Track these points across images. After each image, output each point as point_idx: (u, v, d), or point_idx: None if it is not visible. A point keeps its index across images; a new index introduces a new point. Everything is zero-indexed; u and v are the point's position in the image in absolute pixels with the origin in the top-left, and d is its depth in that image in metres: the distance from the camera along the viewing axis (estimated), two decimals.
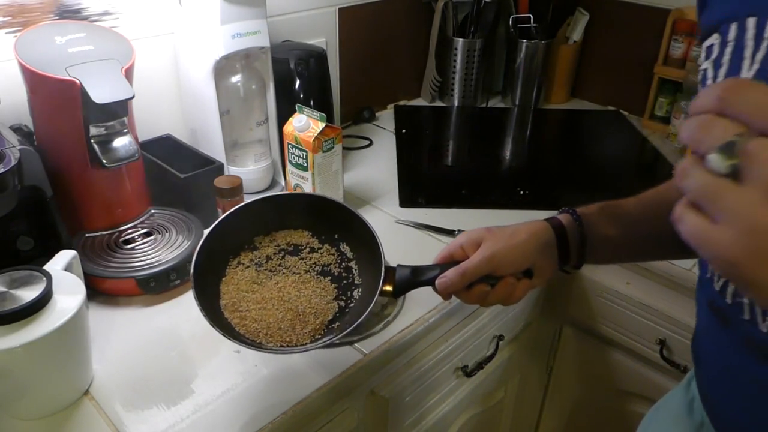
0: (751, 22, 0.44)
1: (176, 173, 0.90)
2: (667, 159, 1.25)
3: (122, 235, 0.85)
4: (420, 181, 1.17)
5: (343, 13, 1.28)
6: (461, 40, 1.42)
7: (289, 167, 0.97)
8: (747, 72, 0.43)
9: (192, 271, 0.59)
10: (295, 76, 1.06)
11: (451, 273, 0.60)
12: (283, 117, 1.01)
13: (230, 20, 0.89)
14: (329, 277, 0.65)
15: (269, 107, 1.02)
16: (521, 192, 1.12)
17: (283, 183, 1.06)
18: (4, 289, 0.59)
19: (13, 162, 0.68)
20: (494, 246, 0.60)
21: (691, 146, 0.30)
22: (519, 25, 1.44)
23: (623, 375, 1.09)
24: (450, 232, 0.96)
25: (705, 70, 0.49)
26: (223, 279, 0.63)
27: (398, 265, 0.63)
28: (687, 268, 0.91)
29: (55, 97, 0.76)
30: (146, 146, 0.95)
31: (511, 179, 1.22)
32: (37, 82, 0.75)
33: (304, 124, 0.92)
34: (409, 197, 1.08)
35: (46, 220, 0.76)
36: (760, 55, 0.40)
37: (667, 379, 1.00)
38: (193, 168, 0.91)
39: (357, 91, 1.39)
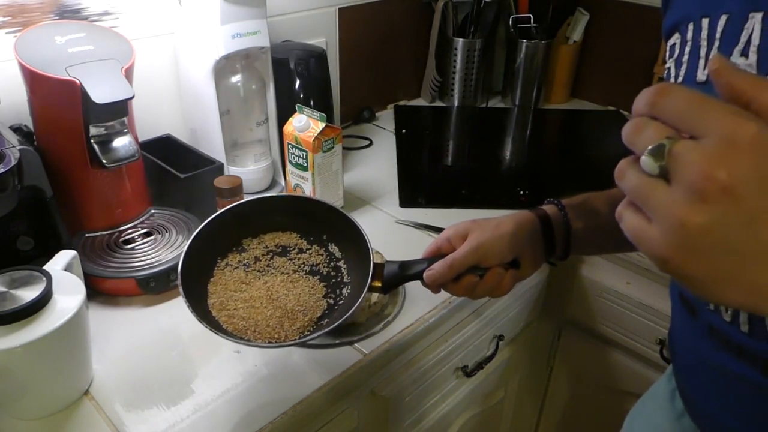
0: (704, 22, 0.46)
1: (176, 173, 0.90)
2: None
3: (122, 235, 0.85)
4: (420, 181, 1.17)
5: (343, 13, 1.28)
6: (461, 40, 1.42)
7: (289, 167, 0.97)
8: (702, 72, 0.45)
9: (179, 270, 0.58)
10: (295, 76, 1.05)
11: (438, 265, 0.60)
12: (283, 117, 1.01)
13: (230, 20, 0.89)
14: (318, 276, 0.64)
15: (269, 107, 1.02)
16: (521, 192, 1.12)
17: (283, 183, 1.06)
18: (4, 289, 0.59)
19: (13, 162, 0.68)
20: (480, 237, 0.61)
21: (629, 147, 0.32)
22: (519, 25, 1.44)
23: (623, 375, 1.09)
24: None
25: (669, 68, 0.51)
26: (211, 279, 0.62)
27: (386, 262, 0.63)
28: None
29: (55, 97, 0.76)
30: (146, 146, 0.95)
31: (511, 179, 1.22)
32: (37, 82, 0.75)
33: (304, 124, 0.92)
34: (409, 197, 1.08)
35: (46, 220, 0.76)
36: (712, 55, 0.42)
37: None
38: (193, 168, 0.91)
39: (357, 91, 1.39)
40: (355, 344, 0.74)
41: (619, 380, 1.10)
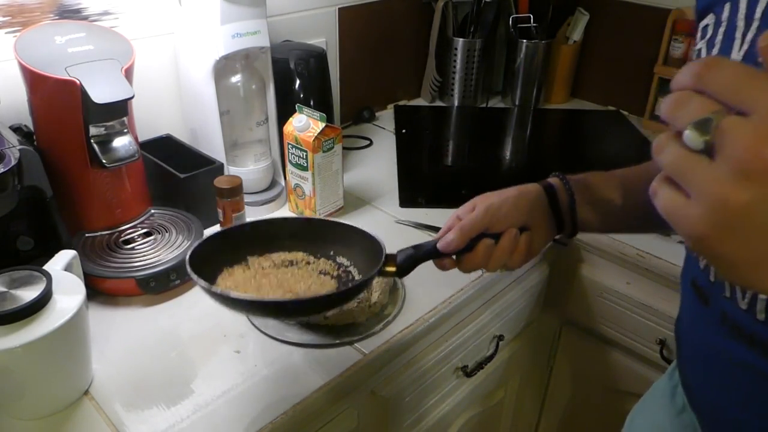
0: (743, 2, 0.45)
1: (176, 173, 0.90)
2: None
3: (122, 235, 0.85)
4: (420, 181, 1.17)
5: (343, 13, 1.28)
6: (461, 40, 1.42)
7: (289, 167, 0.97)
8: (737, 53, 0.43)
9: (189, 255, 0.56)
10: (295, 76, 1.05)
11: (451, 233, 0.60)
12: (283, 117, 1.01)
13: (230, 20, 0.89)
14: (329, 276, 0.64)
15: (269, 107, 1.02)
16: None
17: (283, 183, 1.06)
18: (4, 289, 0.59)
19: (13, 162, 0.68)
20: (487, 201, 0.62)
21: (669, 122, 0.31)
22: (519, 25, 1.44)
23: (623, 375, 1.09)
24: None
25: (699, 50, 0.49)
26: (219, 275, 0.60)
27: (398, 251, 0.62)
28: None
29: (55, 97, 0.76)
30: (146, 146, 0.95)
31: (512, 179, 1.21)
32: (37, 82, 0.75)
33: (304, 124, 0.92)
34: (409, 197, 1.08)
35: (46, 220, 0.76)
36: (749, 36, 0.40)
37: None
38: (193, 168, 0.91)
39: (357, 91, 1.39)
40: (355, 344, 0.74)
41: (619, 380, 1.10)
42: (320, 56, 1.09)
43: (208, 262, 0.59)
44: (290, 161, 0.96)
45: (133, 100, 0.78)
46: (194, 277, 0.54)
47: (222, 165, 0.94)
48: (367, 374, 0.73)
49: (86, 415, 0.63)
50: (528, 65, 1.46)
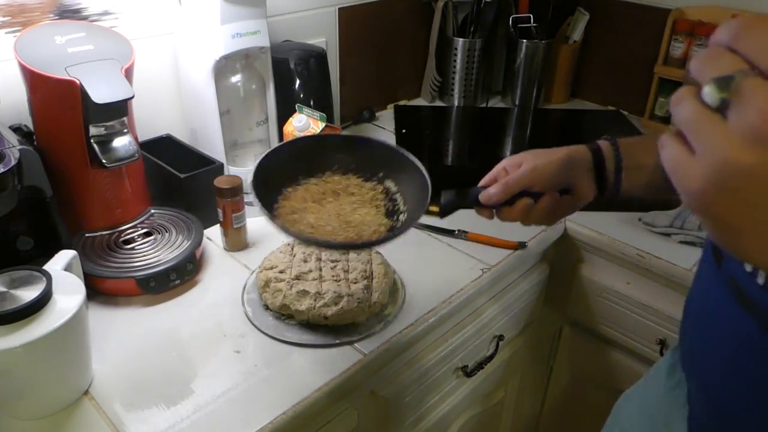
0: None
1: (176, 173, 0.90)
2: None
3: (122, 235, 0.85)
4: None
5: (343, 13, 1.28)
6: (461, 40, 1.42)
7: None
8: None
9: (253, 173, 0.62)
10: (295, 76, 1.06)
11: (493, 187, 0.63)
12: (283, 117, 1.01)
13: (230, 20, 0.89)
14: (379, 202, 0.67)
15: (269, 107, 1.02)
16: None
17: None
18: (4, 289, 0.59)
19: (13, 162, 0.68)
20: (534, 161, 0.63)
21: (695, 75, 0.30)
22: (519, 25, 1.44)
23: (623, 375, 1.09)
24: (450, 232, 0.96)
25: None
26: (280, 197, 0.65)
27: (443, 190, 0.65)
28: (687, 268, 0.91)
29: (55, 97, 0.76)
30: (146, 146, 0.95)
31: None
32: (37, 82, 0.75)
33: (304, 124, 0.92)
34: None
35: (46, 220, 0.76)
36: None
37: None
38: (193, 168, 0.91)
39: (357, 91, 1.39)
40: (355, 344, 0.74)
41: (619, 380, 1.10)
42: (320, 56, 1.09)
43: (267, 183, 0.64)
44: None
45: (133, 100, 0.78)
46: (258, 204, 0.59)
47: (222, 165, 0.94)
48: (367, 374, 0.73)
49: (86, 415, 0.63)
50: (528, 65, 1.46)
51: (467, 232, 0.95)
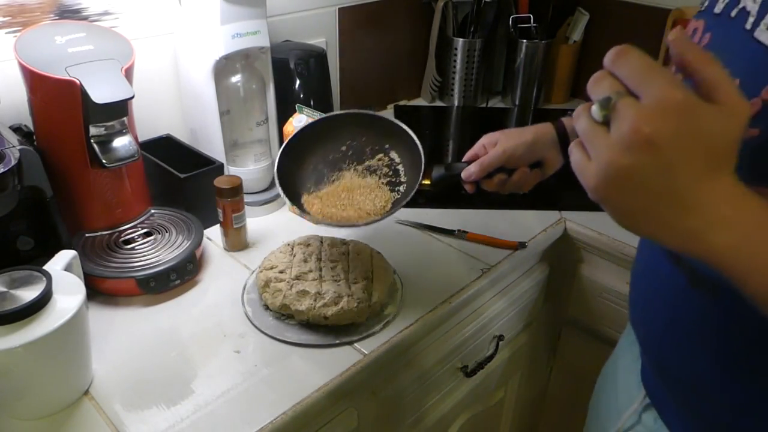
0: None
1: (176, 173, 0.90)
2: None
3: (122, 235, 0.85)
4: None
5: (343, 13, 1.28)
6: (461, 40, 1.42)
7: None
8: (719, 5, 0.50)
9: (276, 164, 0.78)
10: (295, 76, 1.06)
11: (473, 166, 0.75)
12: (283, 117, 1.01)
13: (230, 20, 0.89)
14: (384, 179, 0.81)
15: (269, 107, 1.02)
16: (521, 192, 1.12)
17: None
18: (4, 289, 0.59)
19: (13, 162, 0.68)
20: (506, 143, 0.75)
21: (589, 94, 0.39)
22: (519, 25, 1.44)
23: None
24: (450, 232, 0.96)
25: None
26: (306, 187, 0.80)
27: (434, 165, 0.78)
28: None
29: (55, 97, 0.76)
30: (146, 146, 0.95)
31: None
32: (37, 82, 0.75)
33: (304, 124, 0.92)
34: (414, 195, 1.08)
35: (46, 220, 0.76)
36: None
37: None
38: (193, 168, 0.91)
39: (357, 91, 1.39)
40: (355, 344, 0.74)
41: None
42: (320, 56, 1.09)
43: (292, 161, 0.80)
44: None
45: (133, 100, 0.78)
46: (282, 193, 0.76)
47: (222, 165, 0.94)
48: (367, 374, 0.73)
49: (86, 415, 0.63)
50: (528, 65, 1.46)
51: (467, 232, 0.95)
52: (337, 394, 0.69)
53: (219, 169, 0.93)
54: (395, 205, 0.77)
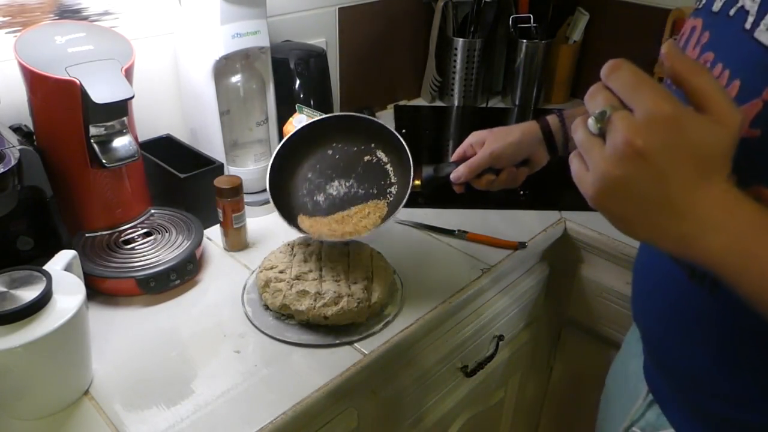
0: None
1: (176, 173, 0.90)
2: None
3: (122, 235, 0.85)
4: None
5: (343, 13, 1.28)
6: (461, 40, 1.42)
7: None
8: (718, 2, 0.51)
9: (268, 176, 0.78)
10: (295, 76, 1.06)
11: (461, 168, 0.77)
12: (283, 117, 1.01)
13: (230, 20, 0.89)
14: (377, 186, 0.82)
15: (269, 107, 1.02)
16: (521, 192, 1.12)
17: None
18: (4, 289, 0.59)
19: (13, 162, 0.68)
20: (493, 144, 0.77)
21: (586, 107, 0.40)
22: (519, 25, 1.44)
23: None
24: (450, 232, 0.96)
25: None
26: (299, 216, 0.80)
27: (423, 165, 0.80)
28: None
29: (55, 97, 0.76)
30: (146, 146, 0.95)
31: (512, 187, 1.22)
32: (37, 82, 0.75)
33: (303, 124, 0.92)
34: (408, 197, 1.08)
35: (46, 220, 0.76)
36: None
37: None
38: (193, 168, 0.91)
39: (357, 91, 1.39)
40: (355, 344, 0.74)
41: None
42: (320, 56, 1.09)
43: (283, 167, 0.82)
44: None
45: (133, 100, 0.78)
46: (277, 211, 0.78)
47: (222, 165, 0.94)
48: (367, 374, 0.73)
49: (86, 415, 0.63)
50: (528, 65, 1.46)
51: (467, 232, 0.95)
52: (337, 394, 0.69)
53: (219, 169, 0.93)
54: (391, 211, 0.78)
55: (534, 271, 1.03)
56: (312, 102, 1.07)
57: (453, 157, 0.81)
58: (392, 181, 0.82)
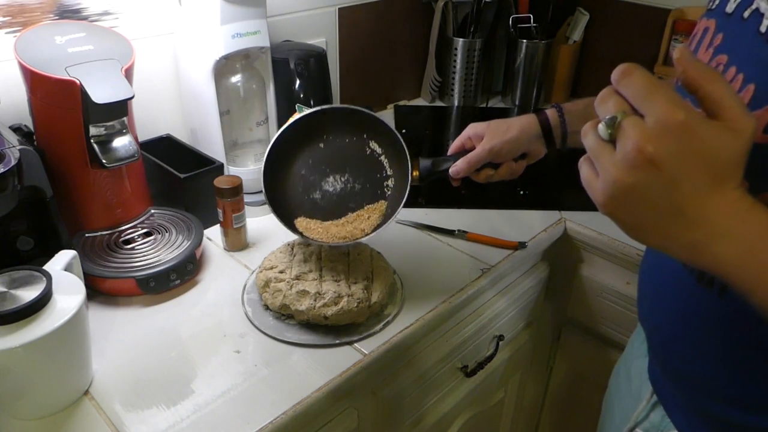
0: None
1: (176, 173, 0.90)
2: None
3: (122, 235, 0.85)
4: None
5: (343, 13, 1.28)
6: (461, 40, 1.42)
7: None
8: (731, 4, 0.51)
9: (263, 167, 0.77)
10: (295, 76, 1.05)
11: (460, 163, 0.77)
12: (283, 117, 1.01)
13: (230, 20, 0.89)
14: (373, 180, 0.81)
15: (269, 107, 1.02)
16: (521, 192, 1.12)
17: None
18: (4, 289, 0.59)
19: (13, 162, 0.68)
20: (492, 141, 0.77)
21: (596, 112, 0.40)
22: (519, 25, 1.44)
23: None
24: (450, 232, 0.96)
25: None
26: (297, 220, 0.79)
27: (420, 158, 0.79)
28: None
29: (55, 97, 0.76)
30: (146, 146, 0.95)
31: (511, 179, 1.22)
32: (37, 82, 0.75)
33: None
34: (408, 197, 1.08)
35: (46, 220, 0.76)
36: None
37: None
38: (193, 168, 0.91)
39: (357, 91, 1.39)
40: (355, 344, 0.74)
41: None
42: (320, 56, 1.09)
43: (279, 157, 0.80)
44: None
45: (133, 100, 0.78)
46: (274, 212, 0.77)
47: (222, 165, 0.94)
48: (367, 374, 0.73)
49: (86, 415, 0.63)
50: (528, 65, 1.46)
51: (467, 232, 0.95)
52: (337, 394, 0.69)
53: (219, 169, 0.93)
54: (391, 209, 0.78)
55: (534, 271, 1.03)
56: (312, 102, 1.07)
57: (451, 150, 0.81)
58: (388, 173, 0.81)
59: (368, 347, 0.73)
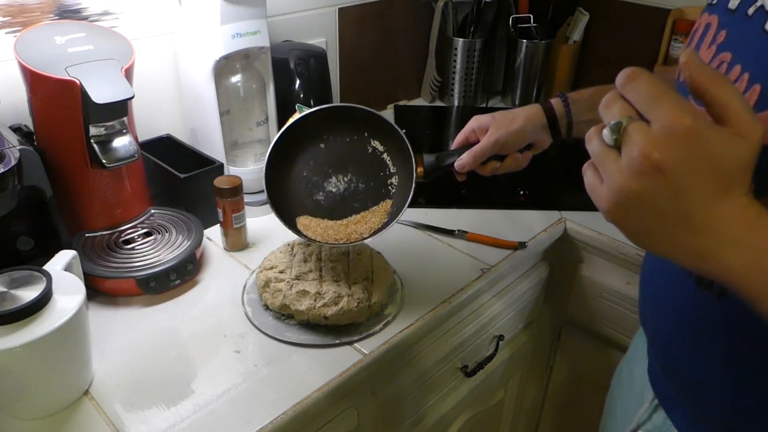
0: None
1: (176, 173, 0.90)
2: None
3: (122, 235, 0.85)
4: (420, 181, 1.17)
5: (343, 13, 1.28)
6: (461, 40, 1.42)
7: None
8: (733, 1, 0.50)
9: (265, 169, 0.75)
10: (295, 76, 1.06)
11: (465, 156, 0.77)
12: (283, 117, 1.01)
13: (230, 20, 0.89)
14: (376, 179, 0.80)
15: (269, 107, 1.02)
16: (521, 192, 1.12)
17: None
18: (4, 289, 0.59)
19: (13, 162, 0.68)
20: (497, 132, 0.76)
21: (601, 117, 0.39)
22: (519, 25, 1.44)
23: None
24: (450, 232, 0.96)
25: None
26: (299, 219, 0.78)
27: (424, 154, 0.78)
28: None
29: (55, 97, 0.76)
30: (146, 146, 0.95)
31: (511, 179, 1.21)
32: (37, 82, 0.75)
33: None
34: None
35: (46, 220, 0.76)
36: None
37: None
38: (193, 168, 0.91)
39: (357, 91, 1.39)
40: (355, 344, 0.74)
41: None
42: (320, 56, 1.09)
43: (279, 160, 0.78)
44: None
45: (133, 100, 0.78)
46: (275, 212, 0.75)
47: (222, 165, 0.94)
48: (367, 374, 0.73)
49: (86, 415, 0.63)
50: (528, 65, 1.46)
51: (467, 232, 0.95)
52: (337, 394, 0.69)
53: (219, 169, 0.93)
54: (398, 207, 0.77)
55: (534, 271, 1.03)
56: (312, 102, 1.07)
57: (454, 143, 0.80)
58: (391, 171, 0.80)
59: (368, 347, 0.73)
